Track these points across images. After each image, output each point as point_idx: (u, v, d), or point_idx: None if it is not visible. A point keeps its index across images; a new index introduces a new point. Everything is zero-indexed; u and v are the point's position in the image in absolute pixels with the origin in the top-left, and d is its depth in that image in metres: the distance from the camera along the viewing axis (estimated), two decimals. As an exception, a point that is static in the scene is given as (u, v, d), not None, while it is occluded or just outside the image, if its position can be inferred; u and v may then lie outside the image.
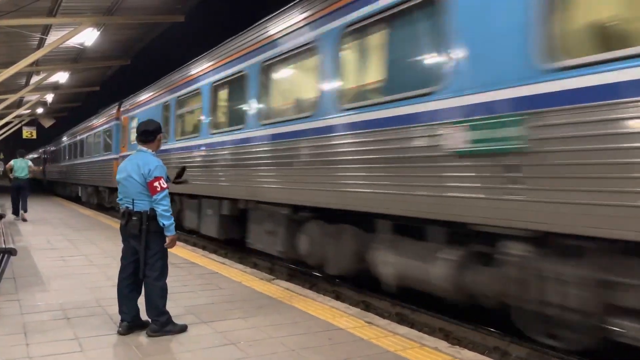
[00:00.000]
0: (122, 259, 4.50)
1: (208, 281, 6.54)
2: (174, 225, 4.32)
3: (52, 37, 14.57)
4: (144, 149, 4.52)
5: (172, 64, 12.67)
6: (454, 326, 5.54)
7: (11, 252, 5.30)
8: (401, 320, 5.87)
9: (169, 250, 4.44)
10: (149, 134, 4.53)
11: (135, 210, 4.31)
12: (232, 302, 5.46)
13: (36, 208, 18.30)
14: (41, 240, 10.11)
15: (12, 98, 21.63)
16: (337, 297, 6.82)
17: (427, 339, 4.34)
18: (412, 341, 4.24)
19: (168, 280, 4.49)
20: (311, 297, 5.75)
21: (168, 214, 4.28)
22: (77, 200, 25.53)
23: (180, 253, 8.57)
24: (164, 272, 4.43)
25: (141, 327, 4.43)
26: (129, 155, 5.55)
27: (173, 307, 4.81)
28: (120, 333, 4.33)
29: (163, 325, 4.35)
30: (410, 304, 6.20)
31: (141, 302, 4.43)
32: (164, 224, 4.27)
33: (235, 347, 4.07)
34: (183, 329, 4.45)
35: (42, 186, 42.22)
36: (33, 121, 35.98)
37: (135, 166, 4.35)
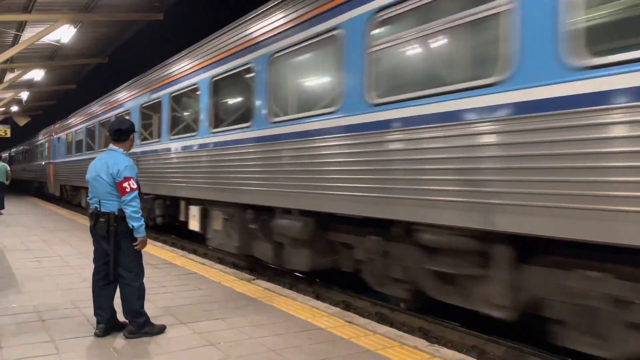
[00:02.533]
0: (95, 260, 4.41)
1: (187, 282, 6.48)
2: (144, 226, 4.26)
3: (28, 34, 14.31)
4: (115, 148, 4.44)
5: (151, 63, 12.51)
6: (433, 325, 5.59)
7: (-16, 253, 5.15)
8: (381, 319, 5.91)
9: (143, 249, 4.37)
10: (122, 133, 4.44)
11: (102, 211, 4.22)
12: (211, 303, 5.42)
13: (10, 209, 17.91)
14: (15, 241, 9.89)
15: (-15, 96, 21.18)
16: (318, 297, 6.83)
17: (406, 338, 4.36)
18: (392, 340, 4.27)
19: (146, 281, 4.44)
20: (291, 297, 5.75)
21: (137, 215, 4.20)
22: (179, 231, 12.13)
23: (159, 253, 8.48)
24: (140, 272, 4.37)
25: (118, 329, 4.36)
26: None
27: (151, 308, 4.75)
28: (97, 335, 4.26)
29: (141, 326, 4.29)
30: (390, 303, 6.23)
31: (118, 303, 4.37)
32: (133, 226, 4.19)
33: (215, 348, 4.04)
34: (161, 330, 4.40)
35: (44, 194, 26.54)
36: (7, 119, 35.15)
37: (104, 166, 4.26)
